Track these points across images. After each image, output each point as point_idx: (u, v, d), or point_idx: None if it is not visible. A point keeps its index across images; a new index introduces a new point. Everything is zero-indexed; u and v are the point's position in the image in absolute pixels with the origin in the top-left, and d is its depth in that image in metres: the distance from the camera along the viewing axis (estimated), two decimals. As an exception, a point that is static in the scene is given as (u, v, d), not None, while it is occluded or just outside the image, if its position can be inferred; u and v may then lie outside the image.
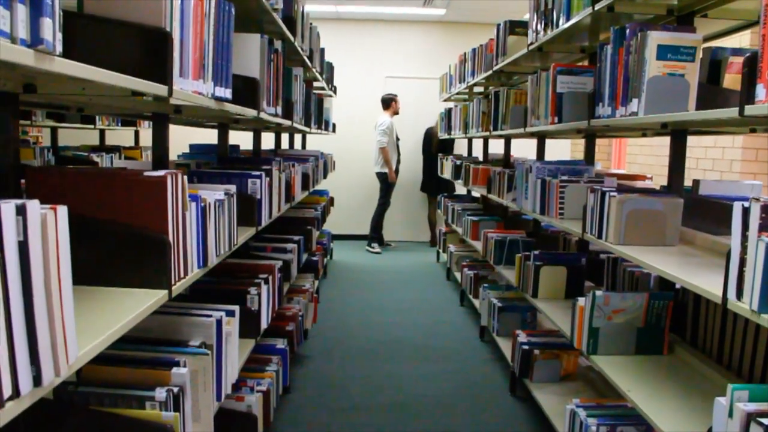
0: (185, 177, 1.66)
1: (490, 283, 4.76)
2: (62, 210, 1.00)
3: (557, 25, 3.17)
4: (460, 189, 7.28)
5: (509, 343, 3.83)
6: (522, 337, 3.56)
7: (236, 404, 2.65)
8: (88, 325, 1.27)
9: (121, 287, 1.55)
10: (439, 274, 7.02)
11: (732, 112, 1.68)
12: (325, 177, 6.03)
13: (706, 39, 3.09)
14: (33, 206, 0.92)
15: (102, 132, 6.52)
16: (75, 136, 6.87)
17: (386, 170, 7.94)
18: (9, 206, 0.88)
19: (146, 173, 1.56)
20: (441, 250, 7.32)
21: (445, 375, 4.01)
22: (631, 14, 2.83)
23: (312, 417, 3.33)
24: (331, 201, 6.78)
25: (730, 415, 1.57)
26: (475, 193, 6.71)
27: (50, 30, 0.95)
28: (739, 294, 1.61)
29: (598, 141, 7.99)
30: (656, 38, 2.20)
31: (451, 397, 3.67)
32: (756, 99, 1.59)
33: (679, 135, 2.68)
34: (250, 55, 2.52)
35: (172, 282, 1.59)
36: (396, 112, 8.05)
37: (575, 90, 3.12)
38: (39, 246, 0.93)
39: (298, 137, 7.05)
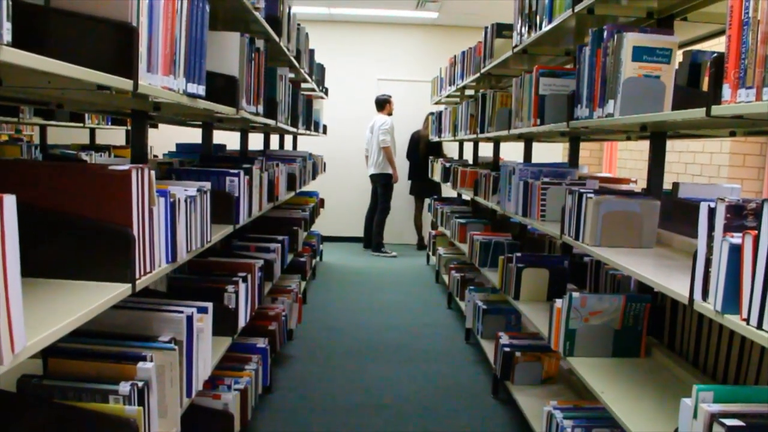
0: (152, 172, 1.66)
1: (476, 286, 4.76)
2: (9, 199, 1.00)
3: (540, 28, 3.18)
4: (450, 192, 7.29)
5: (493, 346, 3.82)
6: (504, 339, 3.55)
7: (213, 402, 2.65)
8: (46, 316, 1.27)
9: (86, 280, 1.55)
10: (428, 277, 7.02)
11: (699, 113, 1.68)
12: (314, 178, 6.02)
13: (689, 43, 3.11)
14: (-25, 194, 0.92)
15: (92, 131, 6.51)
16: (66, 134, 6.87)
17: (387, 171, 7.88)
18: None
19: (111, 167, 1.56)
20: (431, 253, 7.32)
21: (429, 376, 4.01)
22: (615, 17, 2.83)
23: (292, 417, 3.33)
24: (321, 202, 6.77)
25: (695, 416, 1.57)
26: (466, 196, 6.71)
27: (-4, 18, 0.95)
28: (705, 295, 1.61)
29: (590, 145, 8.06)
30: (632, 40, 2.21)
31: (434, 398, 3.66)
32: (722, 99, 1.60)
33: (658, 137, 2.69)
34: (229, 53, 2.52)
35: (137, 276, 1.58)
36: (390, 114, 8.03)
37: (557, 92, 3.13)
38: (-18, 234, 0.93)
39: (289, 139, 7.05)
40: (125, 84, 1.46)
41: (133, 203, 1.57)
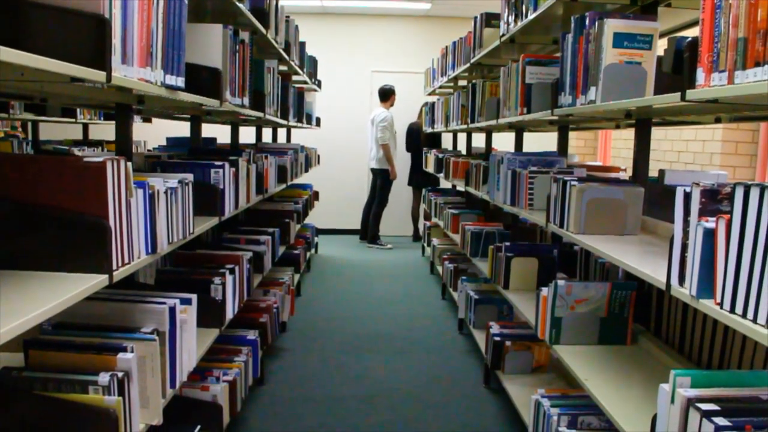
0: (129, 164, 1.66)
1: (469, 276, 4.77)
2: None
3: (526, 16, 3.18)
4: (446, 183, 7.29)
5: (484, 335, 3.83)
6: (495, 328, 3.56)
7: (201, 394, 2.66)
8: (19, 307, 1.27)
9: (62, 272, 1.55)
10: (423, 268, 7.03)
11: (675, 98, 1.68)
12: (306, 171, 6.02)
13: (674, 30, 3.10)
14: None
15: (85, 126, 6.51)
16: (60, 130, 6.86)
17: (386, 167, 7.84)
18: None
19: (86, 159, 1.56)
20: (426, 244, 7.33)
21: (422, 367, 4.02)
22: (600, 4, 2.83)
23: (283, 408, 3.34)
24: (316, 195, 6.77)
25: (672, 400, 1.57)
26: (460, 187, 6.72)
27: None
28: (681, 280, 1.61)
29: (585, 135, 8.05)
30: (612, 26, 2.21)
31: (426, 389, 3.68)
32: (696, 83, 1.60)
33: (643, 124, 2.69)
34: (211, 45, 2.52)
35: (114, 267, 1.59)
36: (392, 105, 7.95)
37: (543, 81, 3.13)
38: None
39: (282, 132, 7.04)
40: (98, 76, 1.46)
41: (109, 195, 1.57)
